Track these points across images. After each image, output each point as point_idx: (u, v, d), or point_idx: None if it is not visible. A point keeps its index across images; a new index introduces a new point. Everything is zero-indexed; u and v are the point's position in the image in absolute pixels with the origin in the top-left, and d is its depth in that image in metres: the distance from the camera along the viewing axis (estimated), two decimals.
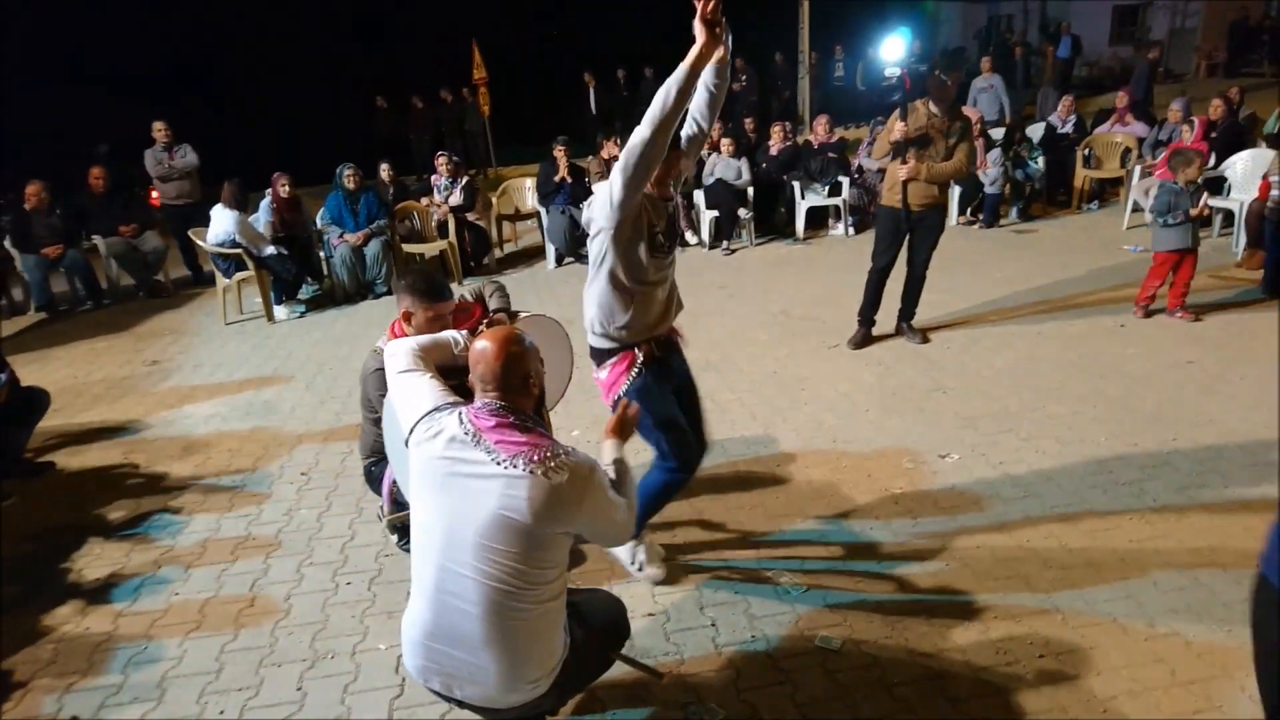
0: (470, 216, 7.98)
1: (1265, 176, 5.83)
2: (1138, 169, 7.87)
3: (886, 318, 5.40)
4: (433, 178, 8.22)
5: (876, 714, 2.38)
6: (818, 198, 8.35)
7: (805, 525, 3.36)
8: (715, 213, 8.07)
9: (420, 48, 16.22)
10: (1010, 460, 3.77)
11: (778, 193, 8.61)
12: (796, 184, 8.34)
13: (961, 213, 8.32)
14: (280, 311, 7.10)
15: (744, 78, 14.65)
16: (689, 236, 8.24)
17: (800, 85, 14.14)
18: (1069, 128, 8.92)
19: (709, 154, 8.48)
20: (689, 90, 2.32)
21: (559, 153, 8.01)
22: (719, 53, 2.46)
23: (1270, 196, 5.67)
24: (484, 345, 1.93)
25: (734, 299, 6.57)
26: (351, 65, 16.63)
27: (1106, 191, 8.74)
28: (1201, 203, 5.10)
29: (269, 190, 7.44)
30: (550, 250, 8.08)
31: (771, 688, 2.51)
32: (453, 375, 2.16)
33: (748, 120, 9.99)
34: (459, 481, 1.82)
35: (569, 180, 8.01)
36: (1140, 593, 2.80)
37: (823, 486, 3.67)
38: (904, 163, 4.80)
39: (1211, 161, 7.20)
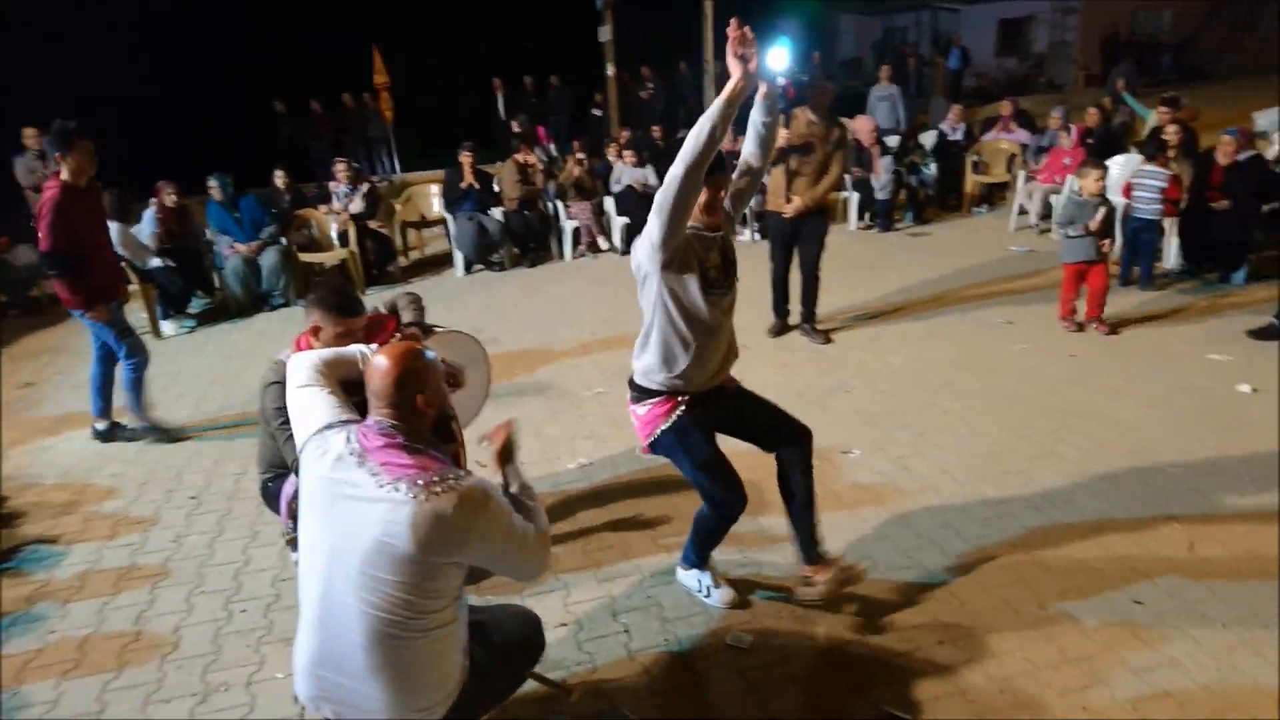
0: (373, 224, 7.77)
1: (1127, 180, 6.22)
2: (1022, 174, 8.31)
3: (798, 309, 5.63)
4: (331, 185, 7.96)
5: (786, 708, 2.41)
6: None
7: None
8: (626, 219, 8.10)
9: (320, 52, 15.71)
10: (908, 454, 3.90)
11: None
12: None
13: (860, 218, 8.60)
14: (168, 327, 6.73)
15: (650, 86, 14.82)
16: (601, 243, 8.24)
17: (706, 94, 14.35)
18: (959, 135, 9.35)
19: (615, 160, 8.52)
20: (722, 125, 2.17)
21: (465, 159, 7.89)
22: (763, 88, 2.39)
23: (1132, 197, 6.07)
24: (379, 360, 1.85)
25: None
26: (248, 69, 15.97)
27: (994, 195, 9.19)
28: (1098, 216, 5.06)
29: (153, 200, 7.05)
30: (458, 257, 7.94)
31: (684, 689, 2.52)
32: (359, 391, 2.06)
33: (655, 128, 10.08)
34: (342, 504, 1.74)
35: (476, 186, 7.90)
36: (1030, 576, 2.94)
37: None
38: (787, 172, 5.06)
39: None
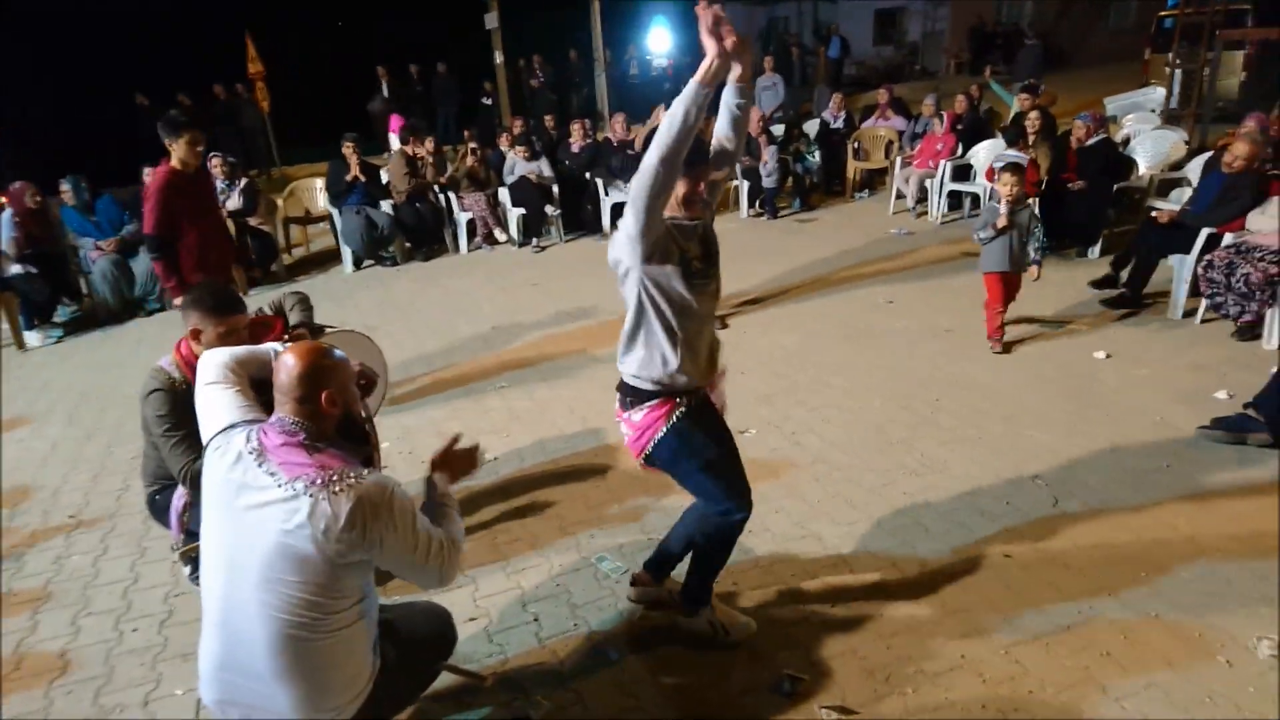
0: (253, 221, 7.45)
1: (990, 164, 6.65)
2: (898, 160, 8.74)
3: None
4: None
5: (692, 683, 2.52)
6: (621, 194, 8.55)
7: (624, 511, 3.47)
8: (522, 210, 8.06)
9: (185, 41, 14.81)
10: (801, 430, 4.10)
11: (583, 189, 8.73)
12: (600, 181, 8.50)
13: (750, 205, 8.85)
14: (32, 338, 6.29)
15: (540, 75, 14.71)
16: (498, 234, 8.18)
17: (597, 83, 14.39)
18: (840, 123, 9.74)
19: (508, 152, 8.46)
20: (695, 110, 1.99)
21: (349, 150, 7.66)
22: (737, 70, 2.21)
23: (994, 180, 6.49)
24: (285, 357, 1.84)
25: (547, 295, 6.61)
26: (108, 60, 14.89)
27: (875, 181, 9.62)
28: (1002, 210, 4.66)
29: (5, 202, 6.55)
30: (346, 253, 7.72)
31: (595, 671, 2.59)
32: (269, 390, 2.02)
33: (547, 117, 10.04)
34: (242, 505, 1.72)
35: (363, 179, 7.69)
36: (912, 537, 3.16)
37: (638, 472, 3.72)
38: None
39: (959, 151, 8.15)
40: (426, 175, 7.97)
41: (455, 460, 2.15)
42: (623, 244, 2.23)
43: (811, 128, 9.84)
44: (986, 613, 2.73)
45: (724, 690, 2.49)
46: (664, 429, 2.38)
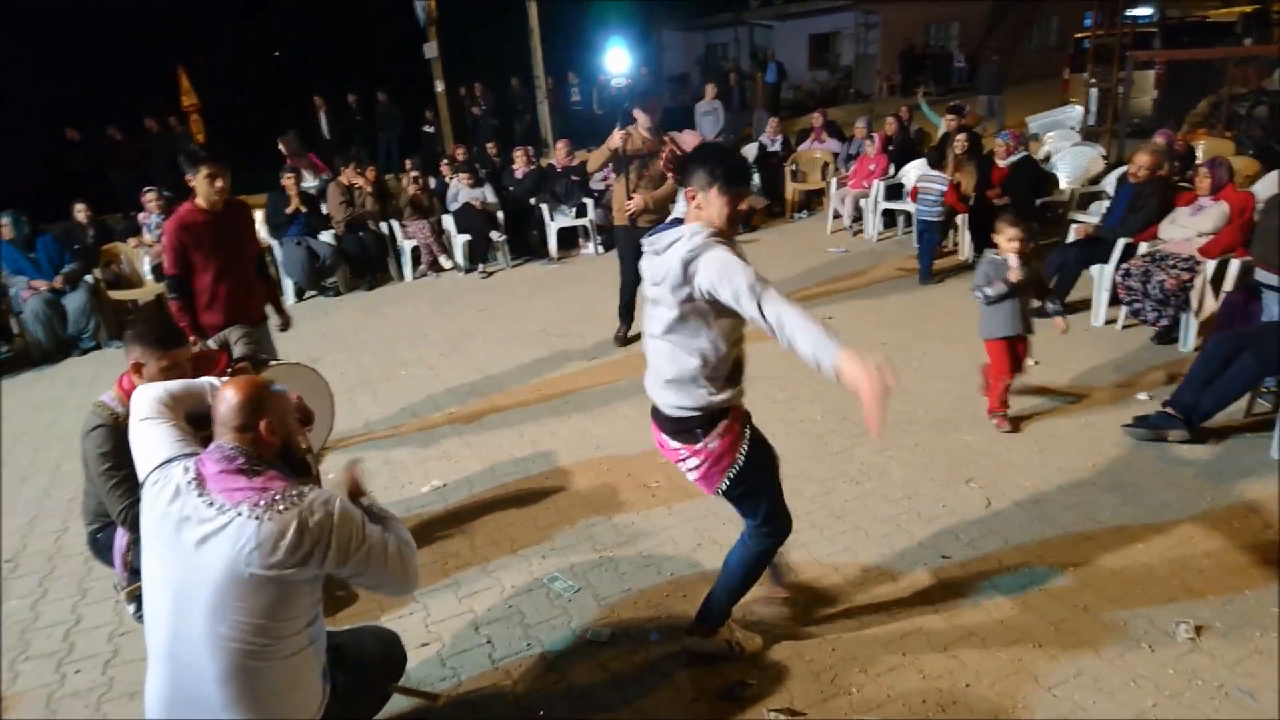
0: None
1: (914, 184, 6.90)
2: (834, 180, 9.01)
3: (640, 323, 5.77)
4: (141, 216, 7.44)
5: (643, 694, 2.57)
6: (566, 219, 8.64)
7: (574, 531, 3.51)
8: (467, 236, 8.09)
9: (117, 74, 14.54)
10: None
11: (528, 215, 8.79)
12: (544, 206, 8.58)
13: None
14: None
15: (482, 103, 14.79)
16: (443, 261, 8.18)
17: (540, 110, 14.50)
18: (777, 146, 10.01)
19: (451, 179, 8.49)
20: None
21: (289, 181, 7.61)
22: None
23: (918, 199, 6.75)
24: (225, 390, 1.87)
25: (494, 321, 6.63)
26: (36, 93, 14.51)
27: (813, 202, 9.88)
28: (1015, 267, 3.97)
29: None
30: (288, 285, 7.64)
31: (547, 689, 2.62)
32: (208, 425, 2.03)
33: (490, 145, 10.10)
34: (185, 538, 1.73)
35: (303, 210, 7.64)
36: (855, 543, 3.26)
37: (589, 492, 3.85)
38: (629, 186, 5.22)
39: (891, 171, 8.44)
40: (365, 205, 7.94)
41: (357, 489, 2.10)
42: (729, 291, 2.06)
43: (750, 151, 10.08)
44: (925, 612, 2.83)
45: (674, 698, 2.54)
46: (744, 448, 2.33)
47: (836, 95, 22.00)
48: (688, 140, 9.05)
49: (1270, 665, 2.50)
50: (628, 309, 5.80)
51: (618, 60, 4.88)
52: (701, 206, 2.20)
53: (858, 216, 8.54)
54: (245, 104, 16.72)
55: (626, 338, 5.80)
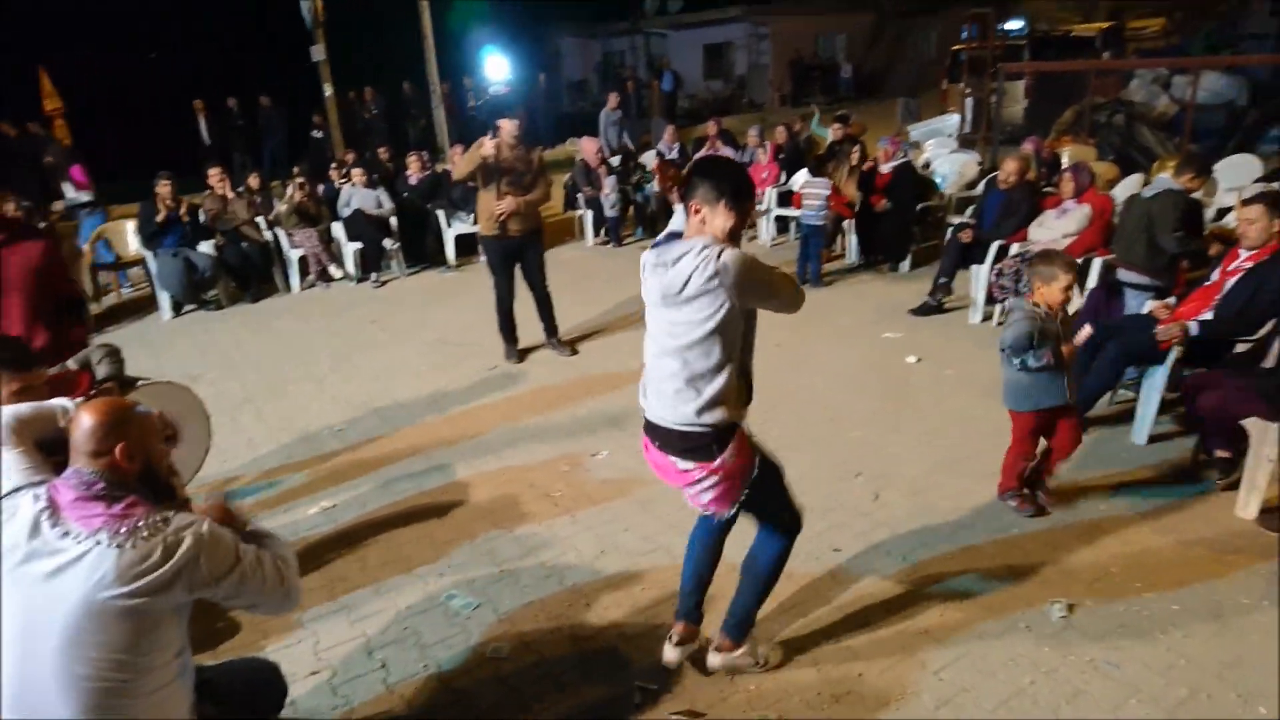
0: None
1: (797, 190, 7.11)
2: None
3: (536, 332, 5.69)
4: None
5: (545, 705, 2.53)
6: (464, 225, 8.48)
7: (473, 545, 3.43)
8: (359, 244, 7.82)
9: None
10: None
11: (424, 221, 8.59)
12: (441, 212, 8.40)
13: (596, 234, 9.02)
14: None
15: (373, 108, 14.40)
16: (333, 271, 7.88)
17: (436, 114, 14.22)
18: (674, 154, 10.11)
19: (341, 181, 8.21)
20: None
21: (163, 189, 7.16)
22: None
23: (803, 206, 6.95)
24: (80, 413, 1.75)
25: (388, 332, 6.43)
26: None
27: None
28: (1082, 334, 3.65)
29: None
30: (164, 299, 7.19)
31: (447, 709, 2.54)
32: (60, 450, 1.88)
33: (382, 150, 9.82)
34: (32, 571, 1.60)
35: (185, 219, 7.23)
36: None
37: (489, 504, 3.77)
38: (499, 196, 5.08)
39: (782, 178, 8.67)
40: (239, 213, 7.56)
41: (235, 518, 1.99)
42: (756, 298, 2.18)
43: (648, 159, 10.17)
44: (818, 604, 2.90)
45: (578, 708, 2.51)
46: (755, 460, 2.32)
47: (731, 105, 22.48)
48: (587, 148, 9.07)
49: (1133, 637, 2.67)
50: (509, 325, 5.54)
51: (497, 67, 4.83)
52: (706, 221, 2.16)
53: (752, 223, 8.74)
54: (117, 108, 15.72)
55: (520, 352, 5.60)
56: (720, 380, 2.17)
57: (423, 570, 3.27)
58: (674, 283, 2.13)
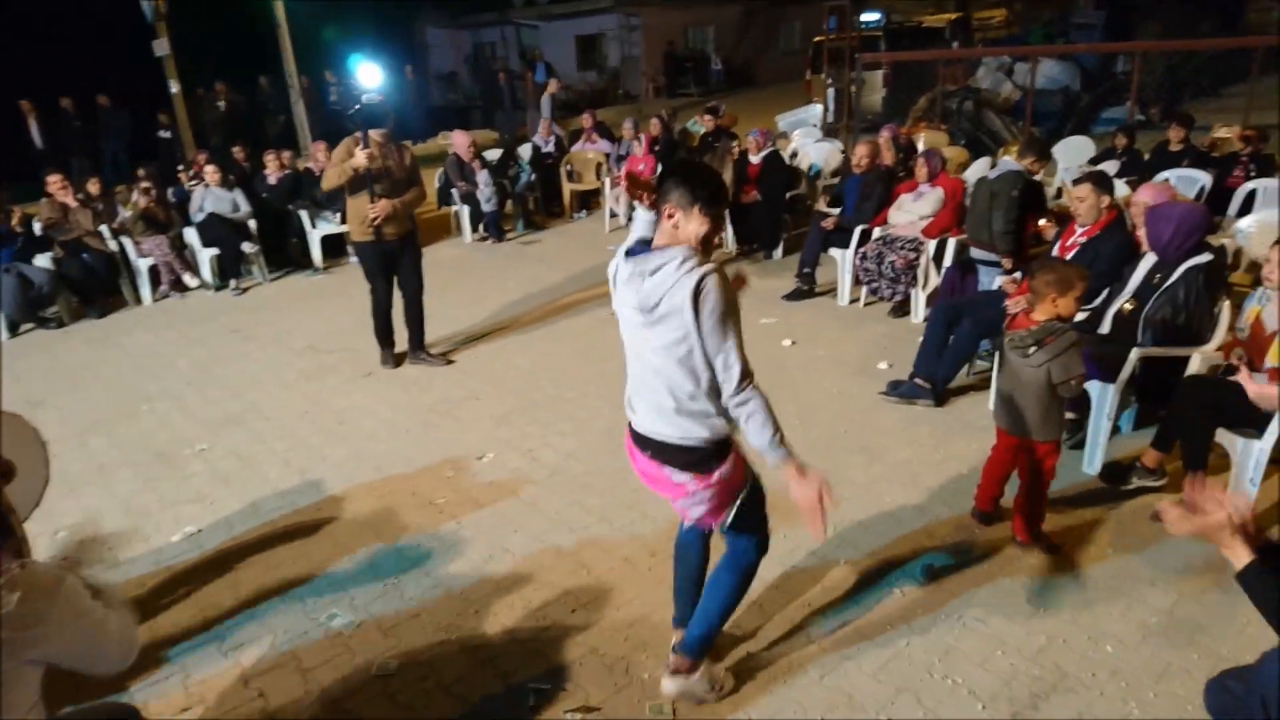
0: None
1: None
2: (608, 180, 9.21)
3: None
4: None
5: (437, 716, 2.47)
6: (330, 225, 8.12)
7: (353, 561, 3.29)
8: (215, 250, 7.36)
9: None
10: (537, 446, 4.17)
11: (286, 222, 8.16)
12: (304, 213, 8.01)
13: (474, 230, 8.84)
14: None
15: (221, 103, 13.59)
16: (188, 280, 7.37)
17: (295, 110, 13.55)
18: (550, 146, 10.04)
19: (192, 183, 7.70)
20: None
21: None
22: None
23: None
24: None
25: (251, 341, 6.09)
26: None
27: (591, 201, 10.03)
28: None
29: None
30: None
31: None
32: None
33: (236, 148, 9.26)
34: None
35: (19, 230, 6.59)
36: (640, 529, 3.34)
37: (369, 517, 3.63)
38: (372, 200, 4.79)
39: (658, 170, 8.75)
40: (81, 222, 6.97)
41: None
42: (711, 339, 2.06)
43: (525, 151, 10.04)
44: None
45: (470, 715, 2.46)
46: (747, 474, 2.27)
47: (606, 97, 22.50)
48: (459, 141, 8.85)
49: (996, 592, 2.85)
50: (386, 330, 5.31)
51: (369, 75, 4.61)
52: (679, 226, 2.07)
53: (632, 215, 8.76)
54: None
55: (397, 356, 5.38)
56: (713, 397, 2.12)
57: (299, 591, 3.12)
58: (650, 296, 2.06)
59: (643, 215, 2.25)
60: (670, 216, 2.08)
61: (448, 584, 3.10)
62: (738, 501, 2.25)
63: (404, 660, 2.71)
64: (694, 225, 2.07)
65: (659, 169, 8.70)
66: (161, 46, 11.64)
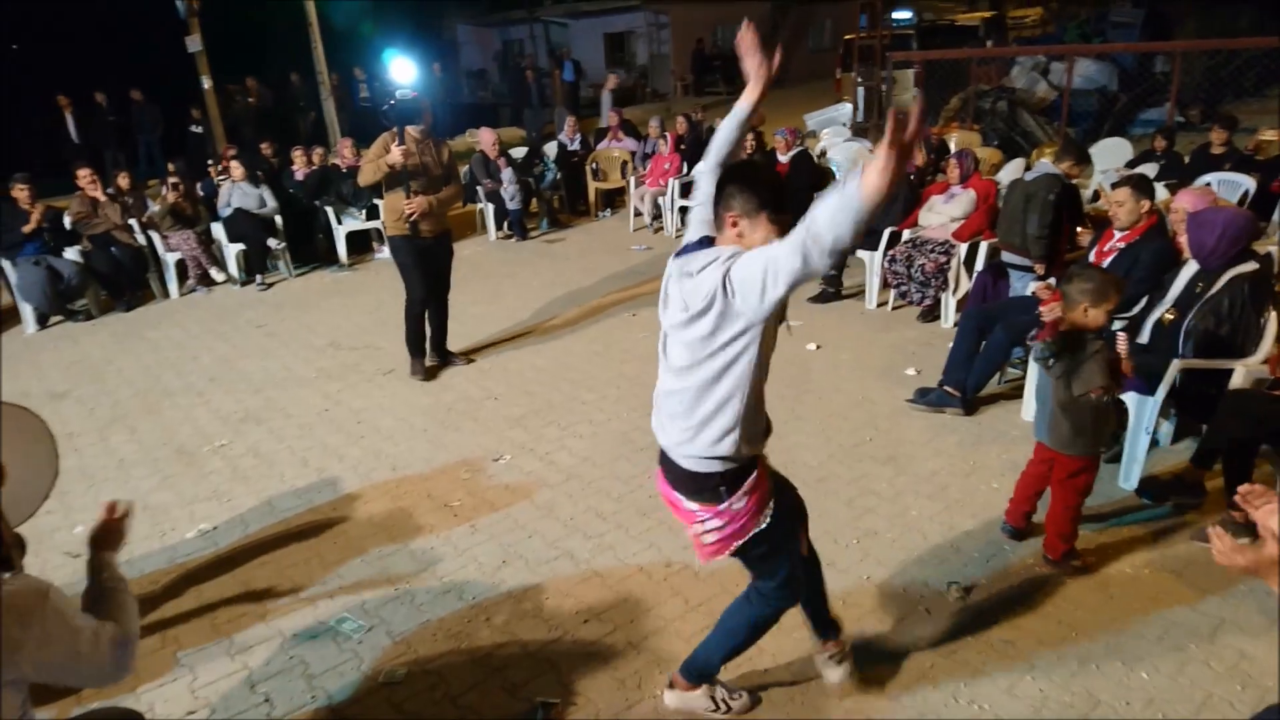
0: None
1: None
2: (633, 179, 9.13)
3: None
4: None
5: None
6: (356, 222, 8.14)
7: (365, 563, 3.25)
8: (241, 245, 7.39)
9: None
10: (554, 449, 4.10)
11: (312, 219, 8.18)
12: (330, 209, 8.03)
13: (499, 228, 8.81)
14: None
15: (252, 99, 13.71)
16: (215, 274, 7.41)
17: (325, 107, 13.62)
18: (576, 145, 9.98)
19: (220, 178, 7.74)
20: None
21: (20, 193, 6.59)
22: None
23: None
24: None
25: (274, 337, 6.09)
26: None
27: (615, 200, 9.97)
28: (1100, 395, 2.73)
29: None
30: (26, 311, 6.62)
31: None
32: None
33: (264, 145, 9.30)
34: None
35: (45, 225, 6.65)
36: (658, 539, 3.26)
37: (383, 518, 3.59)
38: (408, 196, 4.70)
39: (684, 169, 8.66)
40: (110, 216, 7.02)
41: (116, 532, 1.86)
42: (759, 300, 1.76)
43: (551, 149, 9.99)
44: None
45: None
46: (770, 507, 2.06)
47: (633, 95, 22.41)
48: (485, 139, 8.82)
49: (1027, 612, 2.74)
50: (418, 337, 5.07)
51: (403, 70, 4.57)
52: (744, 235, 1.89)
53: (658, 214, 8.70)
54: None
55: (427, 369, 5.16)
56: (731, 410, 1.93)
57: (311, 593, 3.08)
58: (694, 295, 1.86)
59: (697, 214, 2.11)
60: (734, 225, 1.91)
61: (460, 590, 3.04)
62: (750, 536, 2.05)
63: (412, 668, 2.66)
64: (761, 233, 1.88)
65: (684, 168, 8.61)
66: (194, 43, 11.75)
